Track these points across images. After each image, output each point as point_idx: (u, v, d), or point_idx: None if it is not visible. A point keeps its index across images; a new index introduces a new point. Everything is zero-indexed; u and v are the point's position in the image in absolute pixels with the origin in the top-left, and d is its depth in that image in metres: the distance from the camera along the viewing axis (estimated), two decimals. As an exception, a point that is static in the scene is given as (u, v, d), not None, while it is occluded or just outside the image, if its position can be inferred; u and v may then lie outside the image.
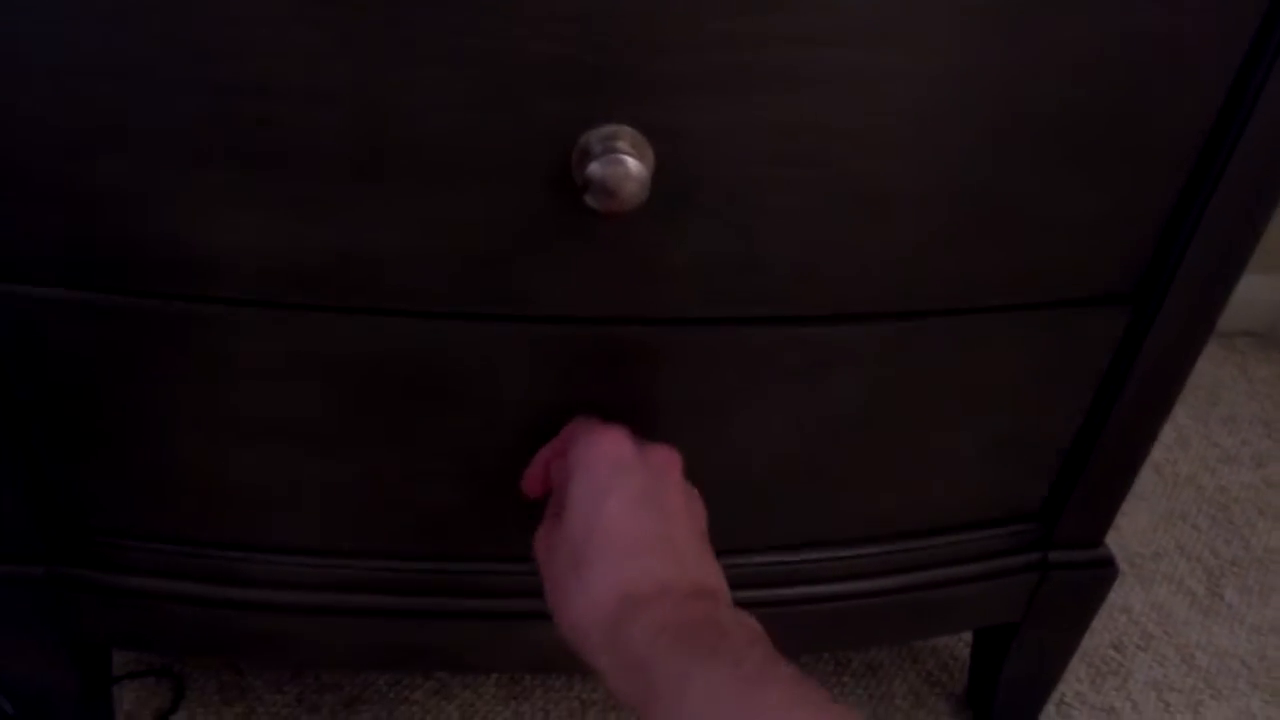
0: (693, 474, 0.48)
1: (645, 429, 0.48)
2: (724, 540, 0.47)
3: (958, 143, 0.44)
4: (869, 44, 0.40)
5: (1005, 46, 0.42)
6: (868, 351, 0.50)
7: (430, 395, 0.50)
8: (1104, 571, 0.66)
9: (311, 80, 0.40)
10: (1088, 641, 0.89)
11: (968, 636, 0.83)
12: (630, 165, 0.40)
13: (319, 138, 0.41)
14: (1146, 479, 1.06)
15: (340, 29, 0.39)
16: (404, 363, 0.49)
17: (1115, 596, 0.93)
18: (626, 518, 0.43)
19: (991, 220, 0.47)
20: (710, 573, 0.44)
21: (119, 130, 0.41)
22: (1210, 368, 1.24)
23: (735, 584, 0.45)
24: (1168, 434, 1.12)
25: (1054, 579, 0.64)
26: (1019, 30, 0.41)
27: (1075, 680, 0.86)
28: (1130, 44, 0.42)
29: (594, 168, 0.40)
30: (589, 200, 0.41)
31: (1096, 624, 0.90)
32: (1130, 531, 1.00)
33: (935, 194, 0.45)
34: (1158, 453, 1.09)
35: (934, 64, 0.42)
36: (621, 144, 0.40)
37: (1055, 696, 0.84)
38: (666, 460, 0.47)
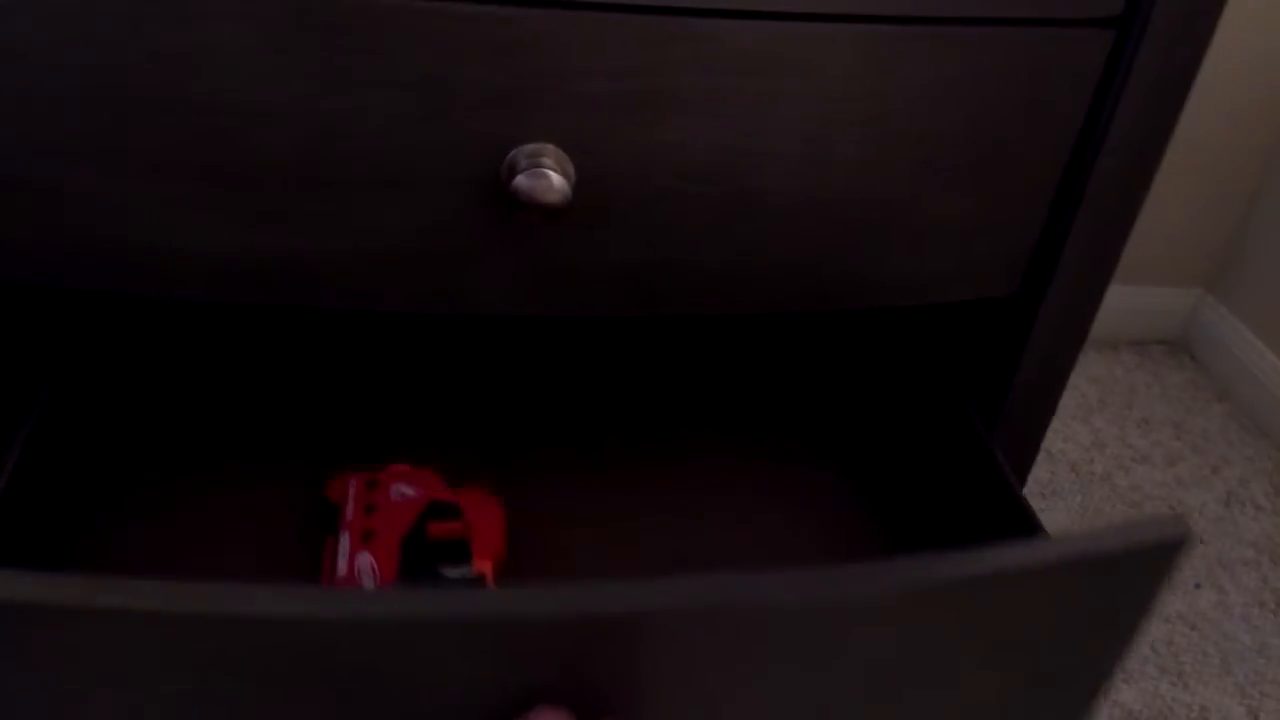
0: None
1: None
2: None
3: (847, 158, 0.49)
4: (763, 72, 0.46)
5: (884, 74, 0.47)
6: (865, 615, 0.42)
7: (348, 690, 0.39)
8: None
9: (262, 98, 0.44)
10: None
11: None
12: (553, 179, 0.45)
13: (268, 152, 0.45)
14: (1064, 478, 1.12)
15: (288, 52, 0.43)
16: (319, 648, 0.37)
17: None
18: None
19: (878, 228, 0.52)
20: None
21: (83, 142, 0.45)
22: (1126, 375, 1.31)
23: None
24: (1084, 436, 1.18)
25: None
26: (897, 59, 0.47)
27: (994, 665, 0.91)
28: (992, 73, 0.48)
29: (520, 180, 0.45)
30: (517, 210, 0.46)
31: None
32: (1048, 527, 1.06)
33: (829, 204, 0.51)
34: (1075, 453, 1.15)
35: (823, 89, 0.47)
36: (545, 159, 0.45)
37: (975, 680, 0.89)
38: None
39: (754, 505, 0.67)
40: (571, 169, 0.46)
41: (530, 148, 0.46)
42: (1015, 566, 0.41)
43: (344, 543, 0.56)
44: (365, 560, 0.55)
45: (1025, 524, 0.62)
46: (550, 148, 0.46)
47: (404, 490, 0.60)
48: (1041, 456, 1.11)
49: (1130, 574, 0.44)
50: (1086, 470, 1.13)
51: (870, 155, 0.49)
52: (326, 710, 0.39)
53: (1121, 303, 1.33)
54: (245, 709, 0.38)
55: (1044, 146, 0.52)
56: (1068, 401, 0.61)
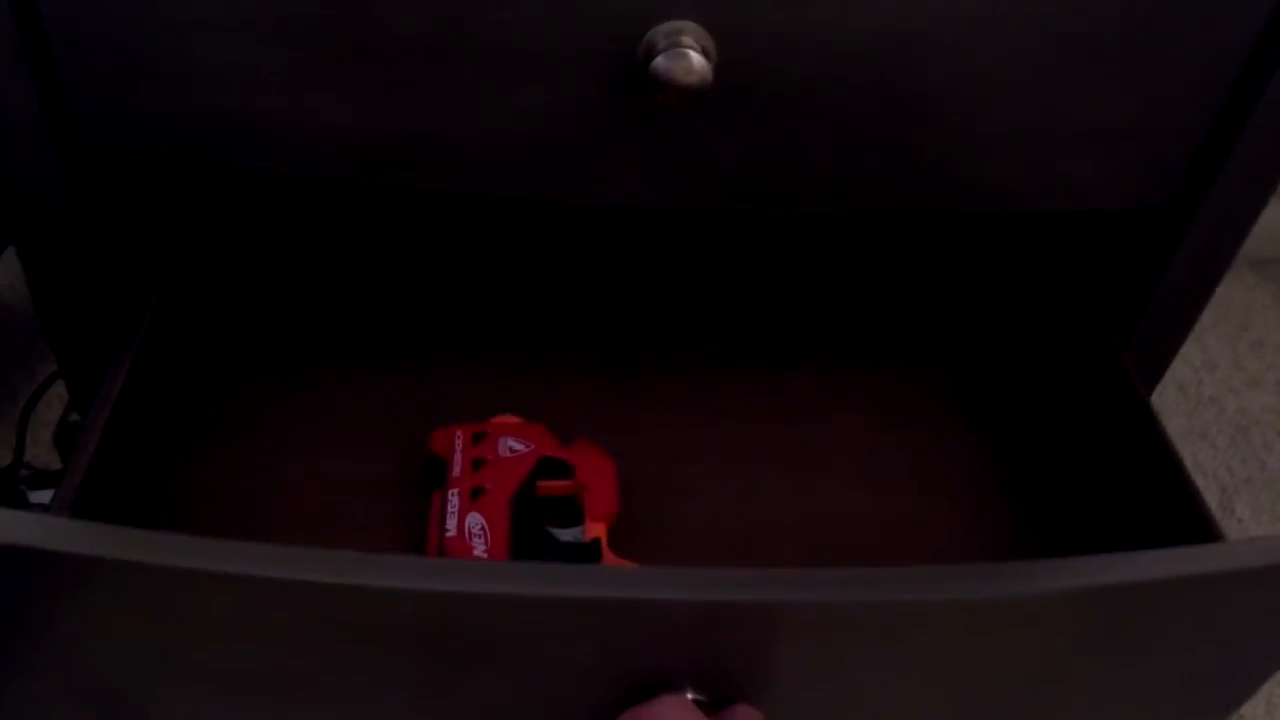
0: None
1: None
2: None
3: (1010, 47, 0.46)
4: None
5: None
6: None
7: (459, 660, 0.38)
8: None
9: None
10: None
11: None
12: (693, 59, 0.42)
13: (394, 25, 0.43)
14: (1170, 398, 1.08)
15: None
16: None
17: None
18: None
19: (1033, 127, 0.49)
20: None
21: (211, 6, 0.43)
22: (1242, 294, 1.25)
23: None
24: (1194, 355, 1.14)
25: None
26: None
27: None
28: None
29: (659, 61, 0.42)
30: (652, 93, 0.43)
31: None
32: (1149, 447, 1.03)
33: (983, 98, 0.47)
34: (1184, 373, 1.11)
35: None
36: (686, 39, 0.42)
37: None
38: None
39: (872, 444, 0.65)
40: (713, 49, 0.43)
41: (670, 25, 0.43)
42: (1185, 574, 0.38)
43: (453, 500, 0.55)
44: (475, 520, 0.53)
45: (1156, 442, 0.59)
46: (691, 25, 0.43)
47: (513, 445, 0.58)
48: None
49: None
50: (1194, 391, 1.09)
51: (1035, 46, 0.45)
52: (449, 681, 0.38)
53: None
54: (361, 677, 0.38)
55: (1219, 47, 0.47)
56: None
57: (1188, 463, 1.02)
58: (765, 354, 0.70)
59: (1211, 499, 0.99)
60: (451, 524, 0.53)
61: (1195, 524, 0.52)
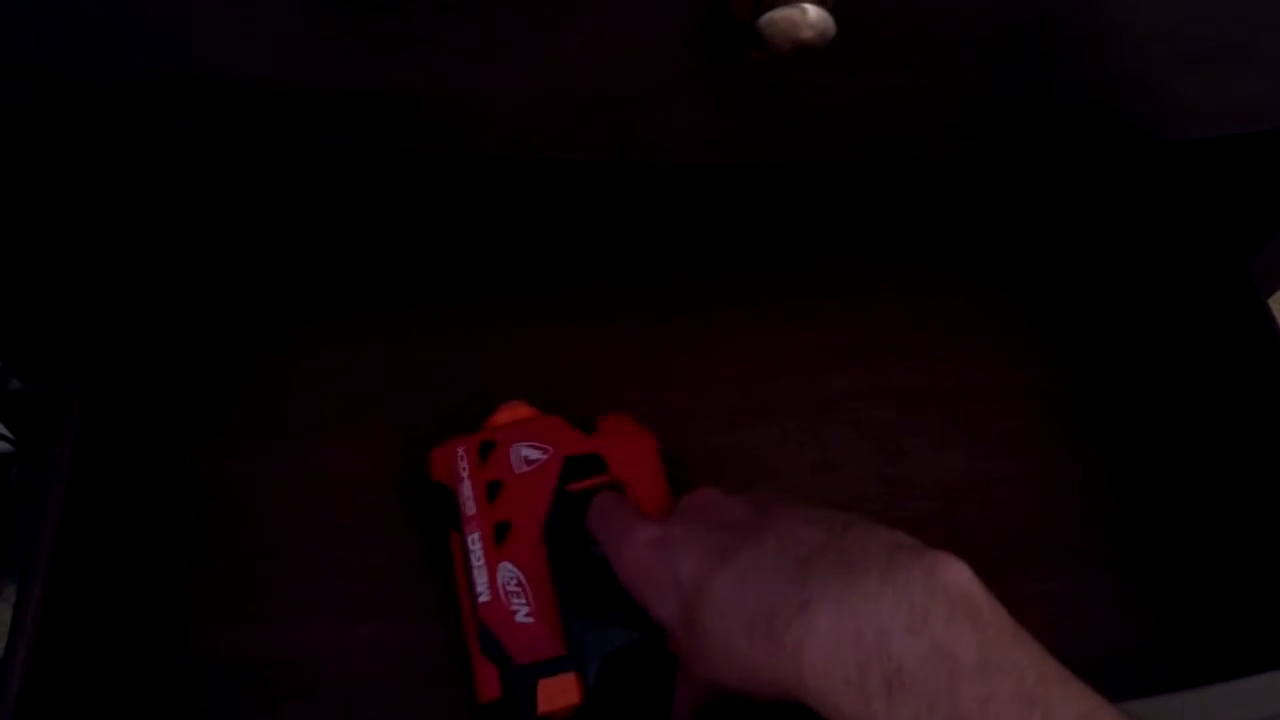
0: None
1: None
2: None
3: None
4: None
5: None
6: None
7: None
8: None
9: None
10: None
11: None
12: (810, 13, 0.31)
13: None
14: None
15: None
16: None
17: None
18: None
19: (1227, 42, 0.38)
20: None
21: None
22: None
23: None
24: None
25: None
26: None
27: None
28: None
29: (769, 19, 0.31)
30: (747, 49, 0.32)
31: None
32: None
33: (1174, 16, 0.36)
34: None
35: None
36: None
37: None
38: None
39: (957, 384, 0.57)
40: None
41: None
42: None
43: (475, 548, 0.45)
44: (509, 574, 0.44)
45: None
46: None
47: (529, 454, 0.46)
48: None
49: None
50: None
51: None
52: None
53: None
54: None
55: None
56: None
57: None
58: (821, 280, 0.60)
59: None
60: (482, 584, 0.44)
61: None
